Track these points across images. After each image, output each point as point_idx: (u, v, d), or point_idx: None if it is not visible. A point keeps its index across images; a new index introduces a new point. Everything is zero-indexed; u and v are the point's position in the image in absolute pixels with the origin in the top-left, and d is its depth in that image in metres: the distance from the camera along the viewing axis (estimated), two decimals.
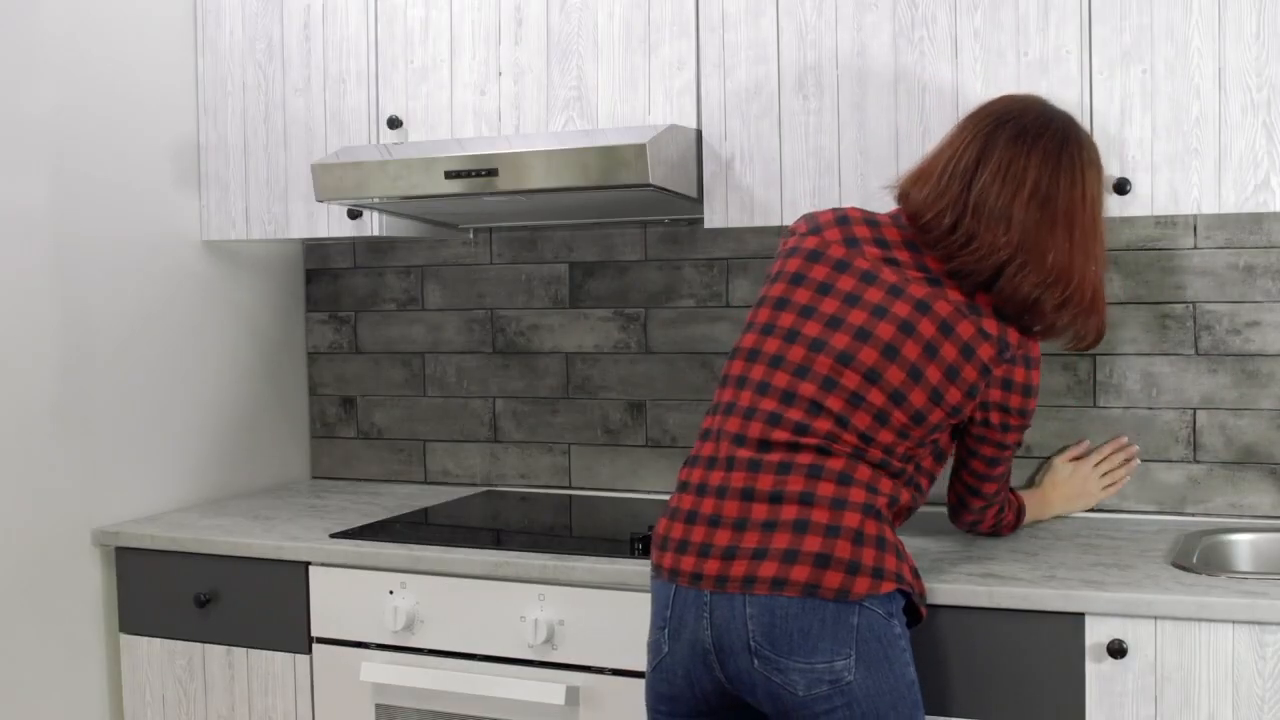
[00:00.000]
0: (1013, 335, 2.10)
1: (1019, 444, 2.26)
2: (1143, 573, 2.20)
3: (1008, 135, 2.11)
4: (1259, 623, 2.01)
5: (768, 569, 1.94)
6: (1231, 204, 2.30)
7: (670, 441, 3.08)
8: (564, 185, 2.53)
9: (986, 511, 2.37)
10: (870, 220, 2.15)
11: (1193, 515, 2.67)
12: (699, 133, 2.63)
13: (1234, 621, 2.02)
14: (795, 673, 1.94)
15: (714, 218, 2.63)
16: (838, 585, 1.93)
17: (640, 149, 2.44)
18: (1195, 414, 2.68)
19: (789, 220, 2.57)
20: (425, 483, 3.33)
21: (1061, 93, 2.37)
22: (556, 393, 3.18)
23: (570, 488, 3.18)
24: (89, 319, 2.83)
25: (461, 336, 3.27)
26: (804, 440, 2.01)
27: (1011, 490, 2.48)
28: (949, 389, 2.06)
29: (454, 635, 2.52)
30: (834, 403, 2.02)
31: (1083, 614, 2.10)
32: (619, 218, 3.07)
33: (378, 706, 2.59)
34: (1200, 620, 2.04)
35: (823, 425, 2.02)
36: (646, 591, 2.37)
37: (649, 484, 3.11)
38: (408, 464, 3.35)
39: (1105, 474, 2.69)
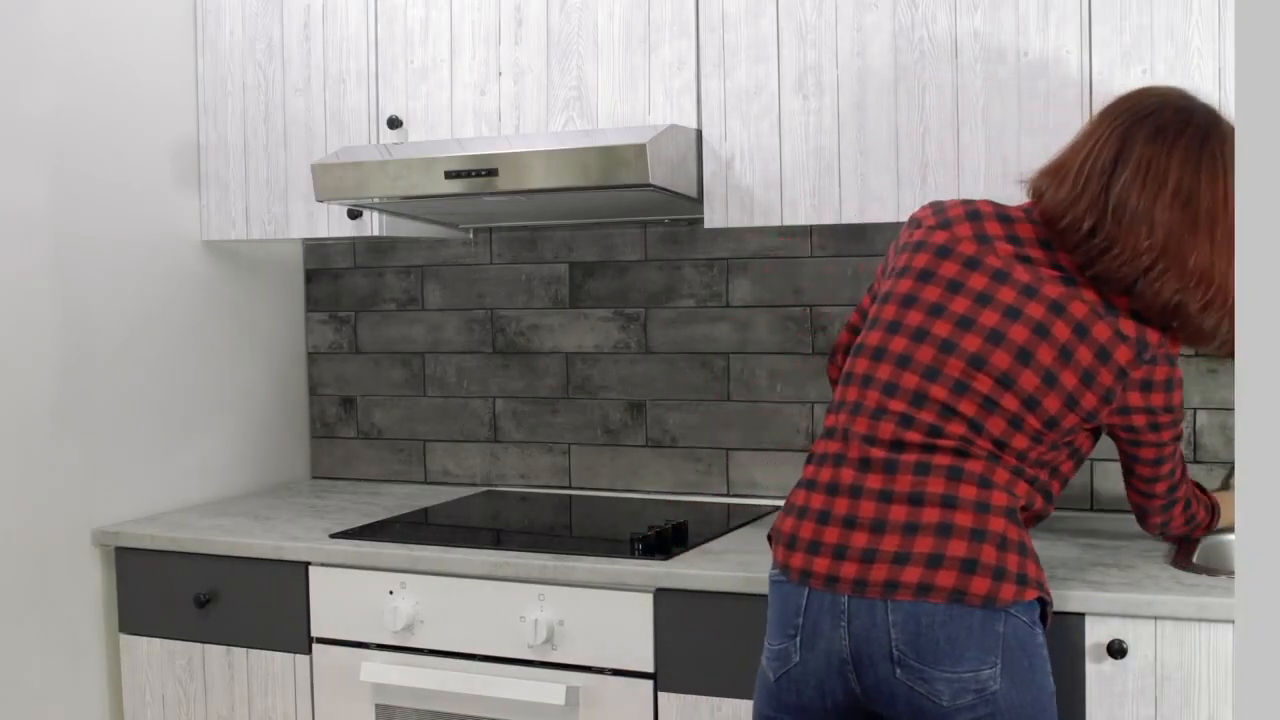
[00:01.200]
0: (1153, 335, 2.01)
1: (1179, 438, 2.15)
2: (1143, 573, 2.20)
3: (1146, 132, 2.00)
4: None
5: (911, 574, 1.88)
6: None
7: (670, 441, 3.08)
8: (564, 185, 2.53)
9: (1172, 510, 2.25)
10: (1003, 215, 2.06)
11: None
12: (699, 133, 2.63)
13: (1234, 621, 2.01)
14: (941, 682, 1.88)
15: (714, 218, 2.63)
16: (985, 591, 1.88)
17: (640, 149, 2.44)
18: (1195, 414, 2.68)
19: (789, 220, 2.57)
20: (425, 483, 3.33)
21: (1061, 93, 2.37)
22: (556, 393, 3.18)
23: (570, 488, 3.18)
24: (89, 319, 2.83)
25: (461, 336, 3.27)
26: (939, 442, 1.95)
27: (1204, 490, 2.33)
28: (1084, 394, 1.98)
29: (454, 635, 2.52)
30: (966, 407, 1.96)
31: (1083, 614, 2.10)
32: (619, 218, 3.07)
33: (378, 707, 2.59)
34: (1200, 620, 2.04)
35: (956, 429, 1.95)
36: (646, 592, 2.37)
37: (649, 484, 3.10)
38: (408, 464, 3.35)
39: None
